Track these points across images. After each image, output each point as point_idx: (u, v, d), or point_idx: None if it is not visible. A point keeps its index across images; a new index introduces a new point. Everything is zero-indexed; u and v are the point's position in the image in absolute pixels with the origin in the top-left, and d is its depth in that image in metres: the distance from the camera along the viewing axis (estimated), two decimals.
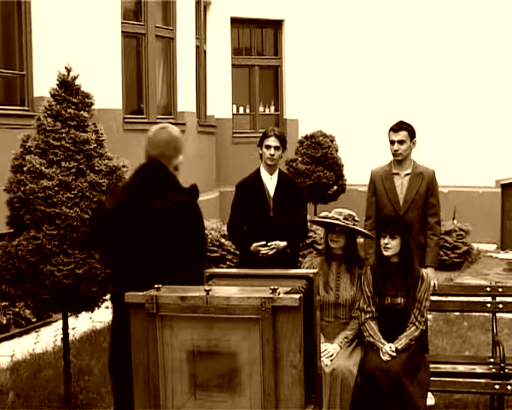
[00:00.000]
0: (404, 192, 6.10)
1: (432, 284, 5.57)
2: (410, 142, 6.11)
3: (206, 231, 8.03)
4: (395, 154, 6.10)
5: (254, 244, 5.99)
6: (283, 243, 6.00)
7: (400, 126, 6.11)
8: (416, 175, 6.12)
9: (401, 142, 6.06)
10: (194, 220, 4.07)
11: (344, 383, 4.98)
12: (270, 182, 6.28)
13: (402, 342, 5.13)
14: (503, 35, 13.85)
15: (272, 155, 6.21)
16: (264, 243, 5.95)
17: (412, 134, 6.13)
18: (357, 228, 5.42)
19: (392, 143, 6.10)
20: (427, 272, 5.34)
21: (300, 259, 6.52)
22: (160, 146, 4.29)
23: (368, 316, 5.30)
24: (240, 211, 6.30)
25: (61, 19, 10.28)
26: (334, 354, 5.16)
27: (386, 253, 5.24)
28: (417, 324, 5.21)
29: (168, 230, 3.95)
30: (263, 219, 6.14)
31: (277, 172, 6.35)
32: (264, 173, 6.31)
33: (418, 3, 14.57)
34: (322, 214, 5.48)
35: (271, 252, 5.96)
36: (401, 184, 6.12)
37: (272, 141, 6.22)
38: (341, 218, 5.34)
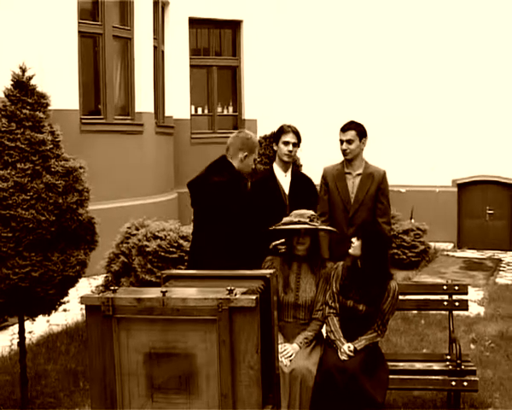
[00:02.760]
0: (354, 192, 6.14)
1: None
2: (359, 141, 6.14)
3: (164, 232, 8.02)
4: (344, 153, 6.14)
5: (273, 243, 5.79)
6: None
7: (348, 126, 6.16)
8: (367, 175, 6.16)
9: (349, 141, 6.10)
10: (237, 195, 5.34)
11: (303, 382, 4.99)
12: (285, 179, 6.19)
13: (362, 343, 5.16)
14: (463, 35, 14.04)
15: (290, 152, 6.15)
16: (283, 240, 5.68)
17: (361, 134, 6.16)
18: (326, 227, 5.50)
19: (341, 142, 6.15)
20: (396, 288, 5.33)
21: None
22: (230, 143, 5.54)
23: (332, 311, 5.32)
24: (255, 209, 6.17)
25: (16, 18, 10.16)
26: (293, 354, 5.17)
27: (349, 250, 5.29)
28: (379, 332, 5.26)
29: (221, 199, 5.25)
30: (278, 216, 5.73)
31: (291, 168, 6.29)
32: (277, 170, 6.22)
33: (373, 5, 14.71)
34: (286, 220, 5.43)
35: None
36: (352, 183, 6.16)
37: (291, 137, 6.16)
38: (307, 220, 5.34)
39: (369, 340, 5.20)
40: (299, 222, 5.32)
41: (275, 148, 6.28)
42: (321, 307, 5.39)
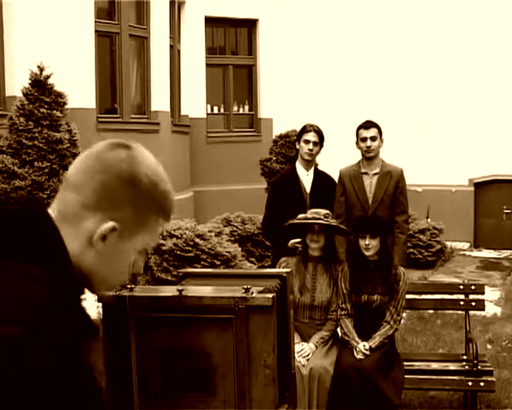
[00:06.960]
0: (372, 191, 6.12)
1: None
2: (379, 139, 6.15)
3: (180, 231, 8.02)
4: (368, 150, 6.11)
5: (292, 241, 5.78)
6: None
7: (370, 124, 6.16)
8: (385, 174, 6.14)
9: (373, 138, 6.10)
10: None
11: (321, 382, 5.00)
12: (307, 178, 6.22)
13: (376, 340, 5.16)
14: (475, 34, 13.96)
15: (311, 150, 6.16)
16: (300, 239, 5.64)
17: (381, 131, 6.17)
18: (340, 226, 5.45)
19: (363, 140, 6.12)
20: (404, 271, 5.36)
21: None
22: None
23: (343, 313, 5.32)
24: (276, 208, 6.19)
25: (34, 17, 10.21)
26: (310, 353, 5.17)
27: (367, 253, 5.26)
28: (392, 322, 5.24)
29: None
30: (298, 215, 5.65)
31: (313, 168, 6.32)
32: (300, 169, 6.25)
33: (389, 6, 14.66)
34: (301, 216, 5.44)
35: None
36: (370, 183, 6.14)
37: (312, 136, 6.18)
38: (322, 217, 5.34)
39: (382, 335, 5.19)
40: (313, 219, 5.33)
41: (297, 146, 6.32)
42: (336, 308, 5.38)
